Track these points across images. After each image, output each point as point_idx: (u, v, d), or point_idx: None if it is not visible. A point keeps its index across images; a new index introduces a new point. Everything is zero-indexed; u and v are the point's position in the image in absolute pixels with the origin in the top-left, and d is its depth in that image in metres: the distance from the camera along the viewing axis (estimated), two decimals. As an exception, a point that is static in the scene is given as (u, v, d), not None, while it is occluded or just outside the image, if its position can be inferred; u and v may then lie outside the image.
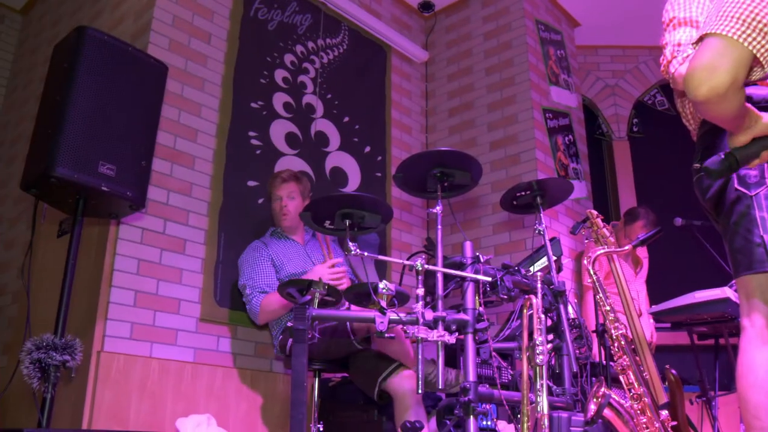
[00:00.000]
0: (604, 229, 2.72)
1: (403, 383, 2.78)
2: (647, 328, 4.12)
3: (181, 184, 3.36)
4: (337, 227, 2.34)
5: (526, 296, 2.12)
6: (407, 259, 2.25)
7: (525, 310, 2.08)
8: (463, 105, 4.86)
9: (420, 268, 2.17)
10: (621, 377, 2.21)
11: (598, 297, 2.33)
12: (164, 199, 3.27)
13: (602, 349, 2.86)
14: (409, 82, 5.03)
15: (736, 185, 1.74)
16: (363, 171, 4.38)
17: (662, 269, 4.68)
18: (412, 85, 5.06)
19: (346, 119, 4.39)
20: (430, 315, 2.15)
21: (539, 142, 4.40)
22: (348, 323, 2.81)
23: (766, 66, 1.50)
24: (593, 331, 2.96)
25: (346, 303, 2.85)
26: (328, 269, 3.04)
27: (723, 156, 1.47)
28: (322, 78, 4.30)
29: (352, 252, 2.16)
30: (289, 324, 3.09)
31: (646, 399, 2.15)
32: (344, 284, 3.01)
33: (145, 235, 3.16)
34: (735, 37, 1.47)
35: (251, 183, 3.67)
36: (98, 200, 2.52)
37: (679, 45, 1.86)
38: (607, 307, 2.27)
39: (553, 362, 2.42)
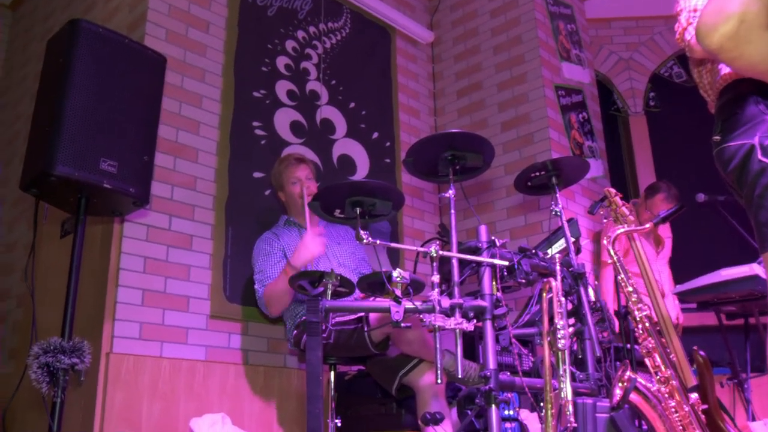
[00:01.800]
0: (623, 208, 2.70)
1: (425, 376, 2.79)
2: (673, 308, 4.11)
3: (185, 178, 3.37)
4: (348, 216, 2.35)
5: (545, 280, 2.11)
6: (421, 246, 2.25)
7: (544, 294, 2.08)
8: (471, 86, 4.84)
9: (434, 255, 2.17)
10: (647, 360, 2.21)
11: (619, 278, 2.32)
12: (168, 195, 3.28)
13: (626, 331, 2.85)
14: (415, 65, 5.01)
15: (759, 156, 1.72)
16: (371, 158, 4.38)
17: (686, 247, 4.66)
18: (419, 68, 5.04)
19: (352, 105, 4.38)
20: (446, 302, 2.15)
21: (552, 121, 4.39)
22: (366, 333, 2.82)
23: None
24: (615, 313, 2.95)
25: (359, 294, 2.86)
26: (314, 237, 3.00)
27: None
28: (326, 63, 4.30)
29: (364, 241, 2.16)
30: (304, 318, 3.09)
31: (674, 382, 2.15)
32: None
33: (150, 232, 3.17)
34: None
35: (257, 174, 3.68)
36: (101, 198, 2.53)
37: (695, 11, 1.84)
38: (630, 288, 2.26)
39: (575, 347, 2.42)
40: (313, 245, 3.00)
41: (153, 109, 2.71)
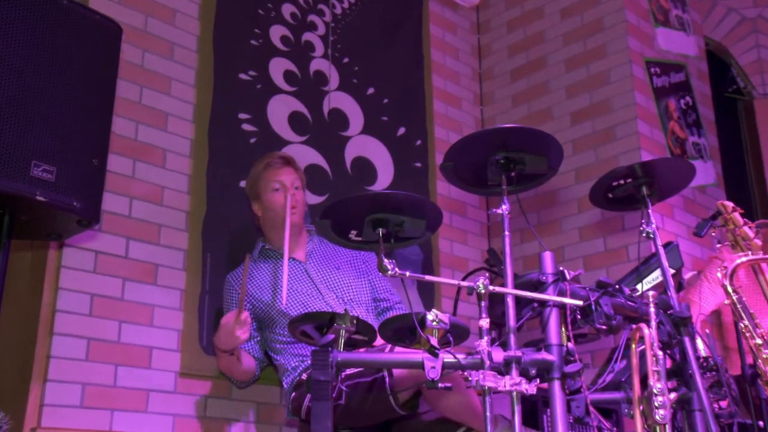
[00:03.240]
0: (746, 228, 2.65)
1: (473, 454, 2.78)
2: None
3: (149, 188, 3.38)
4: (367, 239, 2.34)
5: (634, 326, 2.12)
6: (463, 280, 2.26)
7: (633, 346, 2.09)
8: (531, 63, 4.85)
9: (482, 291, 2.17)
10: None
11: (741, 325, 2.26)
12: (126, 210, 3.29)
13: (754, 402, 2.77)
14: (454, 36, 5.03)
15: None
16: (396, 161, 4.39)
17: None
18: (460, 40, 5.05)
19: (371, 91, 4.40)
20: (499, 355, 2.14)
21: (642, 110, 4.37)
22: (387, 380, 2.80)
23: None
24: (737, 376, 2.88)
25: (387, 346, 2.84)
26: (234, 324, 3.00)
27: None
28: (336, 35, 4.31)
29: (389, 272, 2.15)
30: (306, 375, 3.08)
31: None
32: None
33: (100, 261, 3.17)
34: None
35: (244, 183, 3.65)
36: (32, 215, 2.52)
37: None
38: (758, 341, 2.21)
39: (679, 421, 2.38)
40: (226, 333, 3.01)
41: (104, 95, 2.71)
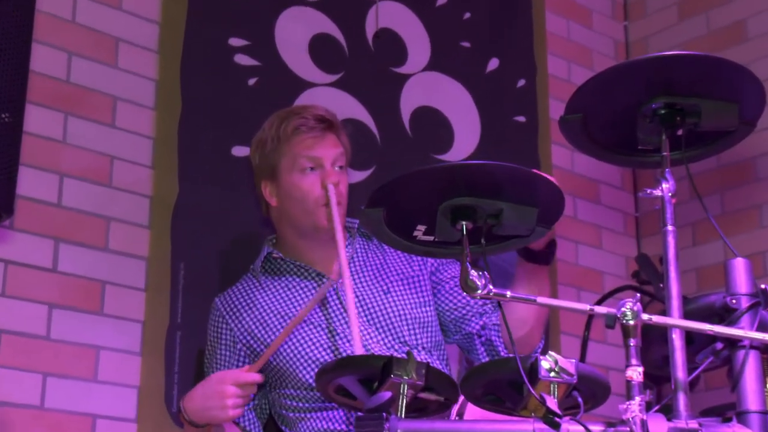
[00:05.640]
0: None
1: None
2: None
3: (90, 159, 3.44)
4: (443, 237, 2.33)
5: None
6: (597, 304, 2.26)
7: None
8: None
9: (630, 323, 2.15)
10: None
11: None
12: (53, 196, 3.35)
13: None
14: None
15: None
16: (485, 113, 4.42)
17: None
18: None
19: (442, 1, 4.42)
20: (661, 427, 2.13)
21: None
22: None
23: None
24: None
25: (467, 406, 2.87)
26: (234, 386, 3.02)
27: None
28: None
29: (478, 292, 2.16)
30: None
31: None
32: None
33: (11, 277, 3.22)
34: None
35: (239, 150, 3.73)
36: None
37: None
38: None
39: None
40: (210, 397, 3.04)
41: (18, 12, 2.75)
